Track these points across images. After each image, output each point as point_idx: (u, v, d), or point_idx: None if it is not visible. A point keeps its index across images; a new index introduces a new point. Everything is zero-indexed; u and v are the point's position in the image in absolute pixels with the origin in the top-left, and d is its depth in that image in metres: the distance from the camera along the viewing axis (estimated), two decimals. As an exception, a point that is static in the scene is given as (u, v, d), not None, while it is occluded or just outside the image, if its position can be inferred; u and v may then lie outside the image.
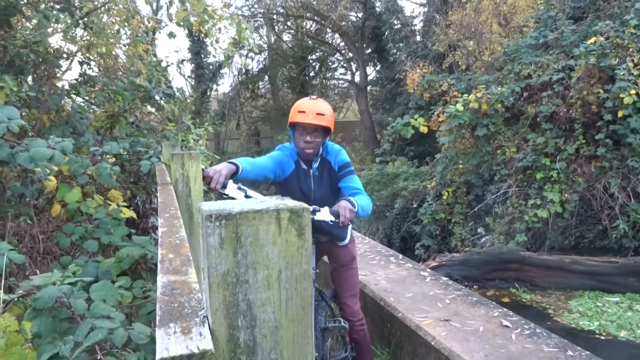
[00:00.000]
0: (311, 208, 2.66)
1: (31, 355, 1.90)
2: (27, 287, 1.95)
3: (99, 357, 1.56)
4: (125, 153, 4.44)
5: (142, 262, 3.01)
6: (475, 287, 7.40)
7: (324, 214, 2.65)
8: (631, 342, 5.64)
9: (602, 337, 5.83)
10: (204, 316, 0.74)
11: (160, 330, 0.69)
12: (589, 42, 8.34)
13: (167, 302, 0.81)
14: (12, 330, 1.82)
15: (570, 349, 3.01)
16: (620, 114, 7.61)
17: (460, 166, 10.08)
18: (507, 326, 3.33)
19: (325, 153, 2.99)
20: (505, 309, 3.65)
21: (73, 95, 5.54)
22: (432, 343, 3.19)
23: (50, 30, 5.60)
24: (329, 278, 3.34)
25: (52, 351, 1.53)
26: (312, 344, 0.73)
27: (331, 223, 2.64)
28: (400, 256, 5.04)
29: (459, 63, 12.91)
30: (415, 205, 10.69)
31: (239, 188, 2.57)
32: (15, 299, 1.85)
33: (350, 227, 3.22)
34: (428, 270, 4.66)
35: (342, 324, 2.93)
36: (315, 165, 2.95)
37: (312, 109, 2.76)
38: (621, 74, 7.67)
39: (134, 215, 4.18)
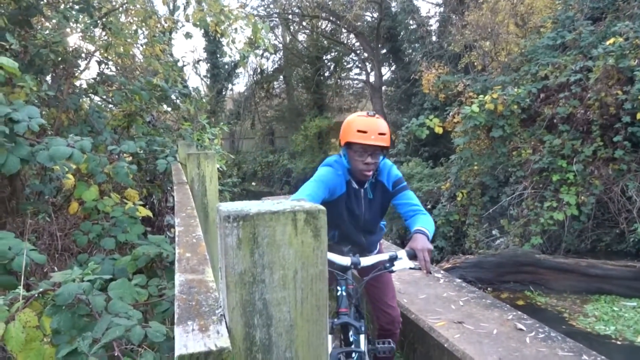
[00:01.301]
0: (387, 256, 2.48)
1: (49, 351, 1.94)
2: (48, 285, 1.99)
3: (116, 354, 1.59)
4: (142, 152, 4.49)
5: (157, 260, 3.05)
6: (489, 289, 7.36)
7: (404, 262, 2.43)
8: (648, 348, 5.56)
9: (619, 342, 5.76)
10: (221, 314, 0.76)
11: (179, 327, 0.71)
12: (607, 42, 8.24)
13: (185, 300, 0.82)
14: (32, 326, 1.85)
15: (586, 353, 2.98)
16: (639, 115, 7.51)
17: (475, 167, 10.02)
18: (521, 329, 3.32)
19: (378, 173, 2.79)
20: (519, 312, 3.64)
21: (91, 95, 5.62)
22: (445, 345, 3.18)
23: (69, 30, 5.68)
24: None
25: (71, 347, 1.56)
26: (327, 343, 0.74)
27: (410, 269, 2.45)
28: (414, 257, 5.03)
29: (475, 64, 12.83)
30: (429, 207, 10.65)
31: None
32: (36, 295, 1.89)
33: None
34: (442, 271, 4.65)
35: (391, 344, 2.71)
36: (368, 186, 2.77)
37: (373, 129, 2.52)
38: (640, 75, 7.57)
39: (150, 214, 4.23)
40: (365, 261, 2.52)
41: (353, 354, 2.42)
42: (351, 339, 2.50)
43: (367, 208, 2.79)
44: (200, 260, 1.07)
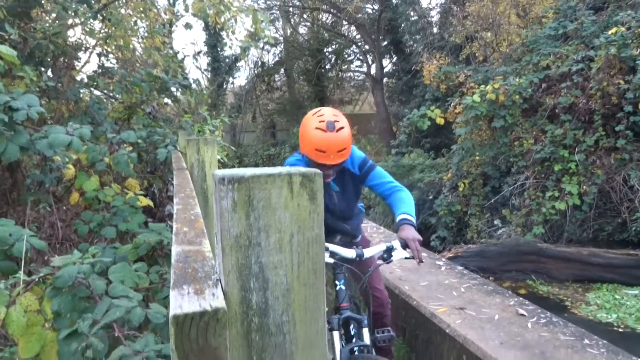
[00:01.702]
0: (384, 246, 2.46)
1: (51, 336, 1.94)
2: (48, 270, 1.99)
3: (116, 334, 1.59)
4: (142, 142, 4.49)
5: (158, 248, 3.05)
6: (491, 278, 7.35)
7: (399, 252, 2.43)
8: (650, 335, 5.57)
9: (620, 330, 5.77)
10: (217, 279, 0.75)
11: (174, 291, 0.71)
12: (609, 32, 8.20)
13: (181, 268, 0.82)
14: (33, 310, 1.86)
15: (587, 337, 2.98)
16: (641, 104, 7.49)
17: (477, 158, 10.00)
18: (523, 315, 3.31)
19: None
20: (521, 298, 3.63)
21: (91, 87, 5.61)
22: (447, 331, 3.18)
23: (69, 22, 5.66)
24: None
25: (71, 328, 1.57)
26: (324, 307, 0.74)
27: (405, 259, 2.44)
28: (416, 246, 5.03)
29: (476, 54, 12.79)
30: (431, 197, 10.65)
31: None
32: (36, 280, 1.89)
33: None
34: (443, 259, 4.64)
35: (391, 333, 2.59)
36: (333, 179, 2.65)
37: (332, 147, 2.37)
38: (643, 64, 7.54)
39: (151, 204, 4.23)
40: (368, 253, 2.51)
41: (355, 349, 2.40)
42: (352, 333, 2.50)
43: (340, 199, 2.75)
44: (197, 234, 1.06)
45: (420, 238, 2.41)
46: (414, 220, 2.50)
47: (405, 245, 2.41)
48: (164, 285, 2.58)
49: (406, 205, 2.58)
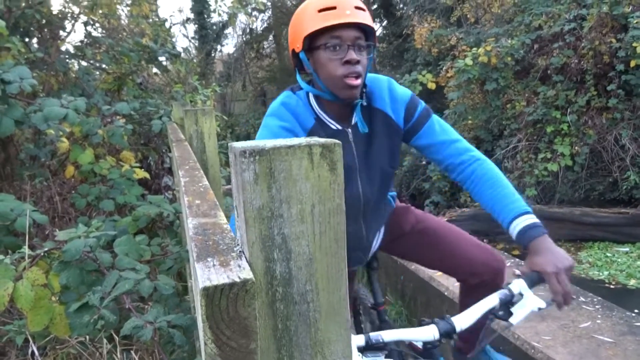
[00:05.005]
0: (496, 299, 1.39)
1: (59, 309, 1.96)
2: (53, 244, 2.00)
3: (127, 307, 1.62)
4: (135, 114, 4.45)
5: (158, 220, 3.07)
6: (485, 240, 7.46)
7: (530, 301, 1.38)
8: (640, 291, 5.72)
9: (612, 286, 5.91)
10: (240, 251, 0.76)
11: (199, 264, 0.72)
12: (601, -11, 8.12)
13: (201, 240, 0.83)
14: (40, 284, 1.87)
15: (583, 295, 3.06)
16: (632, 63, 7.47)
17: (470, 122, 10.00)
18: (519, 275, 3.38)
19: (370, 97, 1.64)
20: (517, 259, 3.70)
21: (79, 58, 5.52)
22: (446, 293, 3.24)
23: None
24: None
25: (82, 301, 1.59)
26: (345, 275, 0.75)
27: (539, 311, 1.39)
28: (412, 211, 5.08)
29: (468, 16, 12.63)
30: (424, 162, 10.67)
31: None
32: (42, 254, 1.90)
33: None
34: (439, 223, 4.69)
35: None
36: (357, 116, 1.59)
37: (345, 1, 1.44)
38: (635, 22, 7.50)
39: (147, 176, 4.23)
40: (463, 321, 1.40)
41: None
42: None
43: (363, 163, 1.62)
44: (210, 206, 1.07)
45: (573, 263, 1.42)
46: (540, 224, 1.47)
47: (538, 281, 1.42)
48: (166, 256, 2.60)
49: (509, 189, 1.58)
